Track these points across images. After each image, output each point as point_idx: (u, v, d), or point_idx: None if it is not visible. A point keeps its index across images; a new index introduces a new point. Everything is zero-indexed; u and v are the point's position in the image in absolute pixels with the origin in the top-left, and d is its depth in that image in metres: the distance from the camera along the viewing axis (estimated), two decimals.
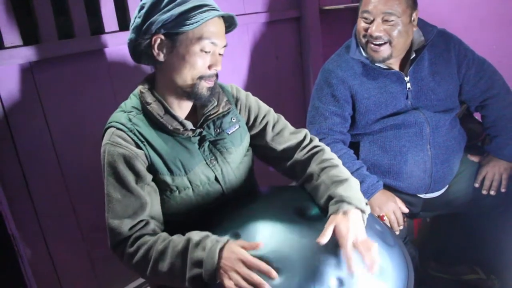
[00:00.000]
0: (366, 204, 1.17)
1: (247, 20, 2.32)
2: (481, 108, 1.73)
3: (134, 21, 1.18)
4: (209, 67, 1.18)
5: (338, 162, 1.30)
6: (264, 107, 1.42)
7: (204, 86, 1.18)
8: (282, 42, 2.58)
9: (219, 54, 1.20)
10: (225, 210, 1.26)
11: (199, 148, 1.25)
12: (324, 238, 1.04)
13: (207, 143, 1.26)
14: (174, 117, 1.20)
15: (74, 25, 1.62)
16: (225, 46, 1.21)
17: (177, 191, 1.22)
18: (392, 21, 1.48)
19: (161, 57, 1.17)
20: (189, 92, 1.19)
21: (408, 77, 1.61)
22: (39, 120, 1.57)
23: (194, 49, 1.14)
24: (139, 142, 1.17)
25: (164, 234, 1.14)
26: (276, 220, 1.13)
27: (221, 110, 1.27)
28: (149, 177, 1.19)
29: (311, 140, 1.39)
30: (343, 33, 2.75)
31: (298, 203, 1.22)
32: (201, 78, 1.17)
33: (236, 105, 1.37)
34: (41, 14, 1.52)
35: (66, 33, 1.64)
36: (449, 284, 1.95)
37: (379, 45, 1.52)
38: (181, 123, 1.21)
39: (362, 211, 1.14)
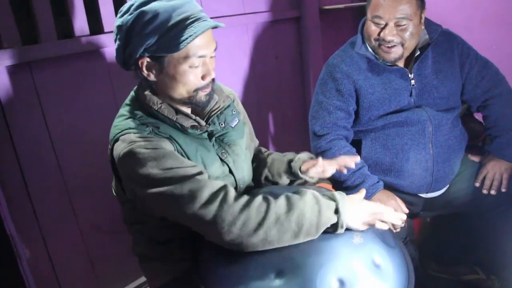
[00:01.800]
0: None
1: (247, 20, 2.32)
2: (483, 108, 1.73)
3: (115, 42, 1.14)
4: (203, 77, 1.15)
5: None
6: (246, 114, 1.49)
7: (201, 95, 1.17)
8: (282, 42, 2.58)
9: (211, 57, 1.17)
10: None
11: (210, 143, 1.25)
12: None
13: (215, 138, 1.27)
14: (188, 115, 1.19)
15: (73, 25, 1.62)
16: (215, 49, 1.17)
17: None
18: (404, 24, 1.48)
19: (151, 78, 1.14)
20: (187, 102, 1.18)
21: (412, 74, 1.61)
22: (38, 121, 1.57)
23: (183, 68, 1.11)
24: (165, 138, 1.14)
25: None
26: None
27: (222, 104, 1.28)
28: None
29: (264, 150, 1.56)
30: (343, 32, 2.75)
31: None
32: (197, 90, 1.15)
33: (234, 101, 1.38)
34: (40, 14, 1.52)
35: (65, 33, 1.63)
36: (449, 284, 1.95)
37: (391, 47, 1.52)
38: (195, 120, 1.20)
39: None
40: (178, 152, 1.15)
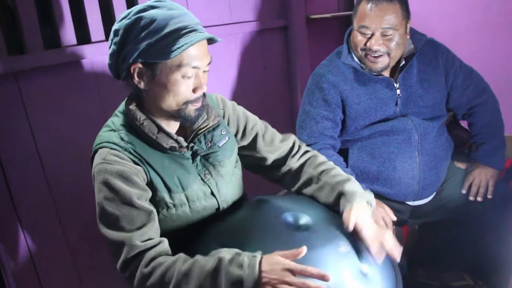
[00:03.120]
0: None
1: (234, 30, 2.33)
2: (468, 116, 1.75)
3: (110, 47, 1.13)
4: (194, 90, 1.13)
5: (333, 164, 1.37)
6: (251, 116, 1.42)
7: (191, 109, 1.15)
8: (270, 51, 2.59)
9: (204, 71, 1.16)
10: (210, 222, 1.25)
11: (192, 163, 1.23)
12: (350, 226, 1.15)
13: (199, 157, 1.25)
14: (169, 135, 1.17)
15: (60, 35, 1.61)
16: (209, 63, 1.16)
17: (174, 209, 1.20)
18: (390, 34, 1.50)
19: (142, 85, 1.13)
20: (176, 116, 1.16)
21: (398, 83, 1.62)
22: (25, 131, 1.55)
23: (175, 77, 1.09)
24: (136, 160, 1.14)
25: (184, 255, 1.08)
26: (262, 231, 1.14)
27: (211, 124, 1.25)
28: (149, 193, 1.15)
29: (299, 146, 1.44)
30: (330, 41, 2.78)
31: (285, 214, 1.21)
32: (187, 103, 1.14)
33: (223, 116, 1.35)
34: (26, 24, 1.51)
35: (52, 43, 1.62)
36: None
37: (378, 56, 1.54)
38: (176, 141, 1.18)
39: (370, 204, 1.25)
40: (150, 178, 1.15)
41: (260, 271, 0.97)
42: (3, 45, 1.47)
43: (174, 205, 1.19)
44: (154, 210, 1.14)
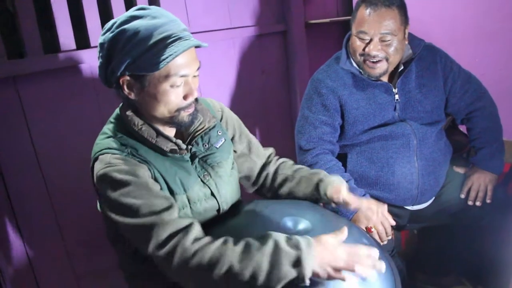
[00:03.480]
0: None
1: (233, 34, 2.33)
2: (467, 120, 1.76)
3: (98, 60, 1.13)
4: (185, 97, 1.13)
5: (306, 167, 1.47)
6: (243, 124, 1.45)
7: (184, 116, 1.15)
8: (268, 55, 2.59)
9: (194, 77, 1.15)
10: (208, 228, 1.25)
11: (191, 165, 1.23)
12: (343, 193, 1.30)
13: (198, 159, 1.25)
14: (168, 138, 1.17)
15: (59, 40, 1.62)
16: (198, 68, 1.15)
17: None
18: (388, 40, 1.50)
19: (133, 96, 1.13)
20: (169, 122, 1.16)
21: (396, 89, 1.63)
22: (23, 135, 1.55)
23: (164, 88, 1.09)
24: (141, 161, 1.13)
25: (230, 237, 1.04)
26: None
27: (207, 125, 1.25)
28: (159, 186, 1.13)
29: (274, 155, 1.53)
30: (329, 46, 2.78)
31: (284, 218, 1.21)
32: (179, 110, 1.13)
33: (221, 119, 1.37)
34: (26, 28, 1.51)
35: (51, 47, 1.63)
36: None
37: (376, 62, 1.54)
38: (175, 143, 1.18)
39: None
40: (154, 177, 1.14)
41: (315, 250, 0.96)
42: (2, 49, 1.47)
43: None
44: (172, 198, 1.13)
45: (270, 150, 1.52)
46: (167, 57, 1.05)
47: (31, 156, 1.58)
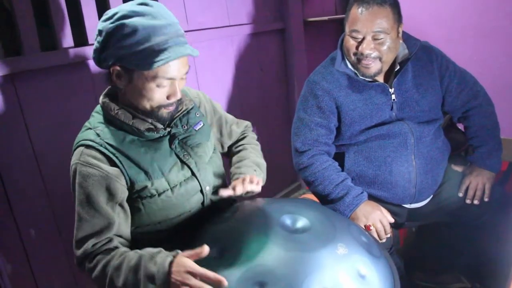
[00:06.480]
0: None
1: (232, 32, 2.33)
2: (464, 119, 1.76)
3: (94, 44, 1.17)
4: (168, 97, 1.18)
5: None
6: (218, 107, 1.51)
7: (163, 112, 1.20)
8: (267, 53, 2.60)
9: (181, 79, 1.19)
10: (208, 225, 1.25)
11: (170, 147, 1.27)
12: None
13: (177, 140, 1.28)
14: (144, 119, 1.22)
15: (57, 37, 1.61)
16: (187, 72, 1.20)
17: (157, 195, 1.23)
18: (381, 38, 1.50)
19: (119, 85, 1.18)
20: (148, 115, 1.21)
21: (393, 88, 1.63)
22: (21, 133, 1.55)
23: (150, 86, 1.14)
24: (111, 156, 1.17)
25: (122, 250, 1.15)
26: (260, 233, 1.13)
27: (185, 108, 1.31)
28: (120, 195, 1.18)
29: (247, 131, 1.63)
30: (327, 44, 2.79)
31: (283, 216, 1.21)
32: (160, 107, 1.19)
33: (199, 105, 1.42)
34: (23, 25, 1.51)
35: (49, 45, 1.62)
36: None
37: (370, 61, 1.54)
38: (151, 124, 1.22)
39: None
40: (124, 171, 1.18)
41: (169, 272, 1.02)
42: None
43: (157, 191, 1.22)
44: (124, 213, 1.21)
45: (243, 126, 1.61)
46: (158, 61, 1.09)
47: (29, 154, 1.57)
